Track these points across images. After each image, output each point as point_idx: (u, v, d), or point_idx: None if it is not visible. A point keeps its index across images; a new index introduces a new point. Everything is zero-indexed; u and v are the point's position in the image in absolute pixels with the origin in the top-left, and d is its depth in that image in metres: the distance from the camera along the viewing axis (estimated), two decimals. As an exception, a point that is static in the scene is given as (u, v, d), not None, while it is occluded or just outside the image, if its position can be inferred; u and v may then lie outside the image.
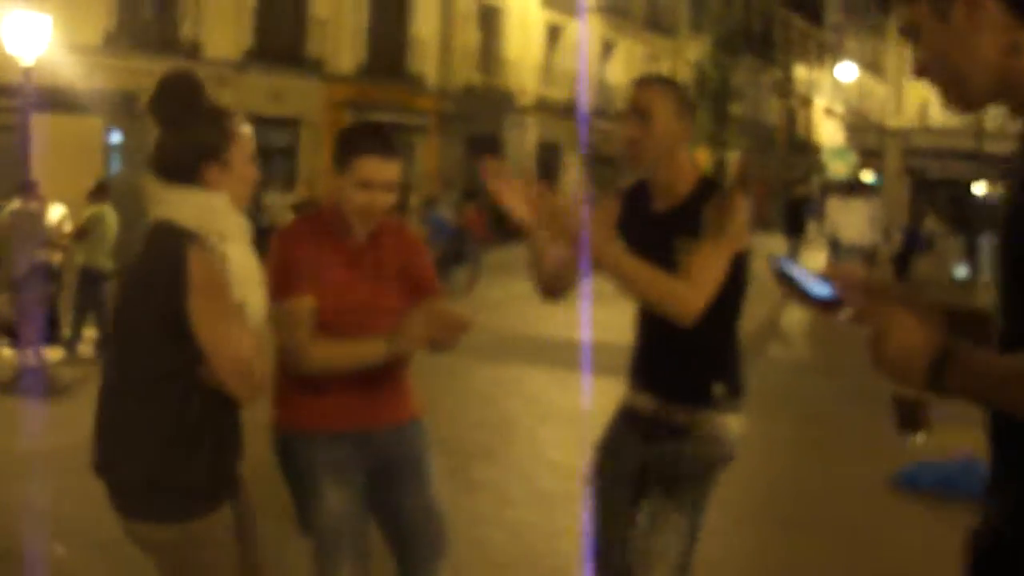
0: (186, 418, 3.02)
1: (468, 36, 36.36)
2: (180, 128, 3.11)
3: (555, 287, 3.75)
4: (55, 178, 15.53)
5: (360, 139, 3.63)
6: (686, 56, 48.86)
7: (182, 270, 2.91)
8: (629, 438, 3.82)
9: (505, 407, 10.56)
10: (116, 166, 23.84)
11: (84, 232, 13.21)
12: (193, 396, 3.01)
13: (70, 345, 13.20)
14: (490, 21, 37.65)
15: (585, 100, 40.50)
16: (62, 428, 8.74)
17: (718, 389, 3.63)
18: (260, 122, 24.58)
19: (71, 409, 9.68)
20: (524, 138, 38.75)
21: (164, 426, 3.02)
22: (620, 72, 44.81)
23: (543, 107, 39.34)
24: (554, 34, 40.83)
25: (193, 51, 25.96)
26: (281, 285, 3.50)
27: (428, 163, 33.34)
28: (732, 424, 3.66)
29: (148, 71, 22.81)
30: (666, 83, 3.70)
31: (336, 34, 30.44)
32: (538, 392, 11.24)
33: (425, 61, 34.11)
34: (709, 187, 3.62)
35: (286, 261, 3.60)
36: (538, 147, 39.54)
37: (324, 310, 3.59)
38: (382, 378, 3.69)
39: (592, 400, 10.59)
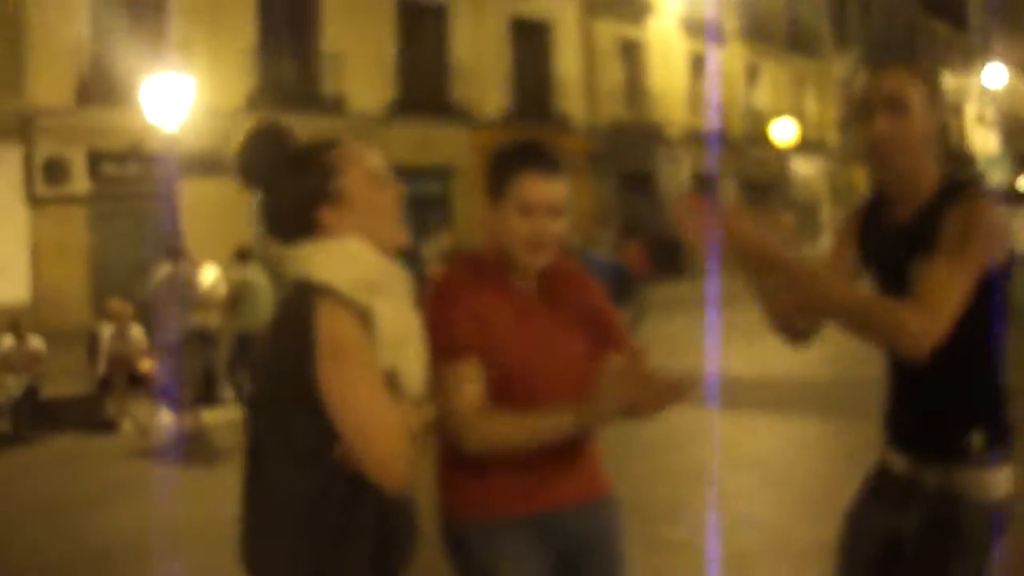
0: (328, 508, 2.57)
1: (611, 71, 35.99)
2: (274, 184, 2.77)
3: (798, 326, 3.31)
4: (203, 242, 15.62)
5: (516, 156, 3.14)
6: (832, 74, 47.71)
7: (310, 329, 2.50)
8: (879, 505, 3.29)
9: (692, 455, 9.79)
10: None
11: (233, 301, 13.21)
12: (338, 481, 2.56)
13: (230, 408, 13.27)
14: (632, 55, 37.22)
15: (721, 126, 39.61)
16: (219, 496, 8.51)
17: (976, 439, 3.04)
18: (409, 172, 25.08)
19: (230, 475, 9.46)
20: (677, 171, 37.98)
21: (303, 517, 2.58)
22: (766, 97, 44.16)
23: (694, 138, 38.56)
24: (697, 63, 40.23)
25: (337, 106, 26.13)
26: (439, 346, 2.95)
27: (581, 204, 32.65)
28: (998, 480, 3.05)
29: (293, 129, 24.34)
30: (918, 67, 3.12)
31: (479, 79, 30.27)
32: (724, 437, 10.39)
33: (570, 100, 33.80)
34: (953, 190, 3.06)
35: (443, 316, 3.07)
36: (692, 179, 38.66)
37: (492, 373, 3.07)
38: (567, 449, 3.14)
39: (785, 445, 10.20)
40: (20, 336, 14.14)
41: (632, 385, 2.82)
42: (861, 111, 3.12)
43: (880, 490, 3.30)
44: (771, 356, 12.35)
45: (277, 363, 2.60)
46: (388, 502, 2.61)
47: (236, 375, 13.34)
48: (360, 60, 26.83)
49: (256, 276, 13.44)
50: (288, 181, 2.73)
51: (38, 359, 14.09)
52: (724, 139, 38.94)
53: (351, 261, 2.63)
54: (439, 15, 29.83)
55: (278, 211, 2.76)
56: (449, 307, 3.09)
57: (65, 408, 14.11)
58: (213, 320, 13.56)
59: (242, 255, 13.81)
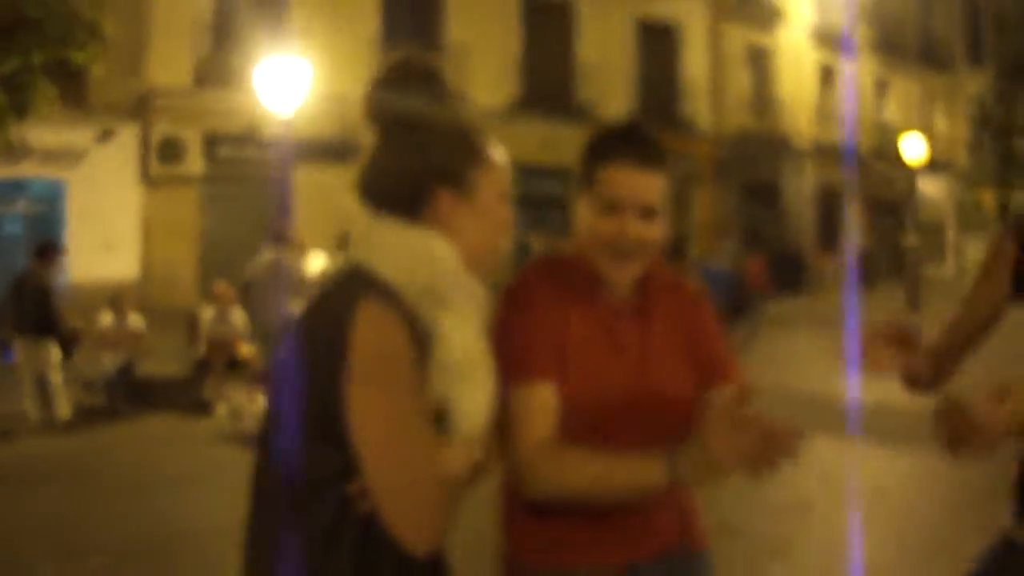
0: (333, 557, 2.05)
1: (739, 78, 35.21)
2: (407, 135, 2.23)
3: (928, 380, 2.96)
4: (314, 230, 15.36)
5: (607, 141, 2.57)
6: (965, 91, 46.36)
7: (346, 335, 2.00)
8: None
9: (798, 487, 8.85)
10: None
11: None
12: (346, 525, 2.05)
13: None
14: (761, 62, 36.38)
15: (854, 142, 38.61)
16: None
17: None
18: (530, 171, 25.03)
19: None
20: (802, 184, 37.01)
21: (307, 553, 2.07)
22: (896, 111, 42.86)
23: (820, 151, 37.56)
24: (827, 74, 39.26)
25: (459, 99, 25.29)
26: (505, 364, 2.39)
27: (704, 212, 32.08)
28: None
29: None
30: None
31: (605, 79, 29.73)
32: (834, 468, 9.43)
33: (696, 106, 33.09)
34: None
35: (513, 328, 2.53)
36: (817, 192, 37.59)
37: (569, 405, 2.51)
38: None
39: (901, 480, 9.31)
40: (120, 313, 14.08)
41: (740, 432, 2.19)
42: None
43: (1005, 568, 2.90)
44: (891, 381, 11.23)
45: (298, 368, 2.07)
46: (408, 560, 2.06)
47: None
48: (484, 55, 26.64)
49: None
50: (421, 138, 2.22)
51: (136, 337, 13.99)
52: (852, 153, 37.91)
53: (434, 263, 2.15)
54: (564, 12, 29.49)
55: (392, 168, 2.24)
56: (522, 318, 2.55)
57: (162, 387, 14.09)
58: None
59: (344, 241, 13.33)
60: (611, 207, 2.50)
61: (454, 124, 2.26)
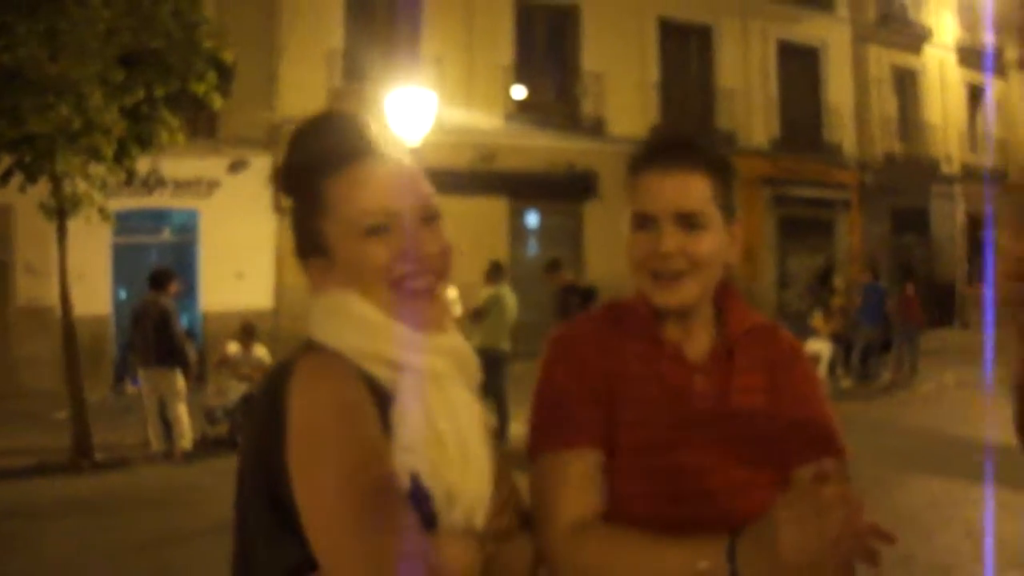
0: None
1: (884, 101, 34.15)
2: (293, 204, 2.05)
3: None
4: (457, 261, 15.38)
5: (639, 152, 2.23)
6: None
7: (281, 402, 1.74)
8: None
9: (941, 540, 8.01)
10: (533, 248, 24.08)
11: (480, 313, 13.07)
12: None
13: None
14: (906, 84, 35.29)
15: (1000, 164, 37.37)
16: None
17: None
18: None
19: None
20: (952, 210, 35.71)
21: None
22: (1052, 133, 41.27)
23: (970, 175, 36.19)
24: (976, 95, 37.97)
25: (597, 128, 25.70)
26: (542, 428, 2.16)
27: (851, 240, 31.12)
28: None
29: (550, 150, 24.35)
30: None
31: (746, 106, 29.12)
32: (983, 520, 8.59)
33: (841, 130, 32.15)
34: None
35: (555, 387, 2.19)
36: (967, 219, 36.17)
37: (623, 480, 2.11)
38: None
39: None
40: (247, 344, 14.18)
41: (827, 514, 1.64)
42: None
43: None
44: None
45: (248, 452, 1.87)
46: None
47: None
48: (622, 82, 26.29)
49: (505, 293, 13.33)
50: (295, 204, 2.04)
51: (260, 368, 13.88)
52: (1002, 178, 36.61)
53: (365, 328, 1.91)
54: (703, 36, 28.96)
55: (295, 241, 2.08)
56: (565, 374, 2.19)
57: None
58: None
59: (496, 271, 13.78)
60: (643, 220, 2.15)
61: (300, 180, 1.99)
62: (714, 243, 2.14)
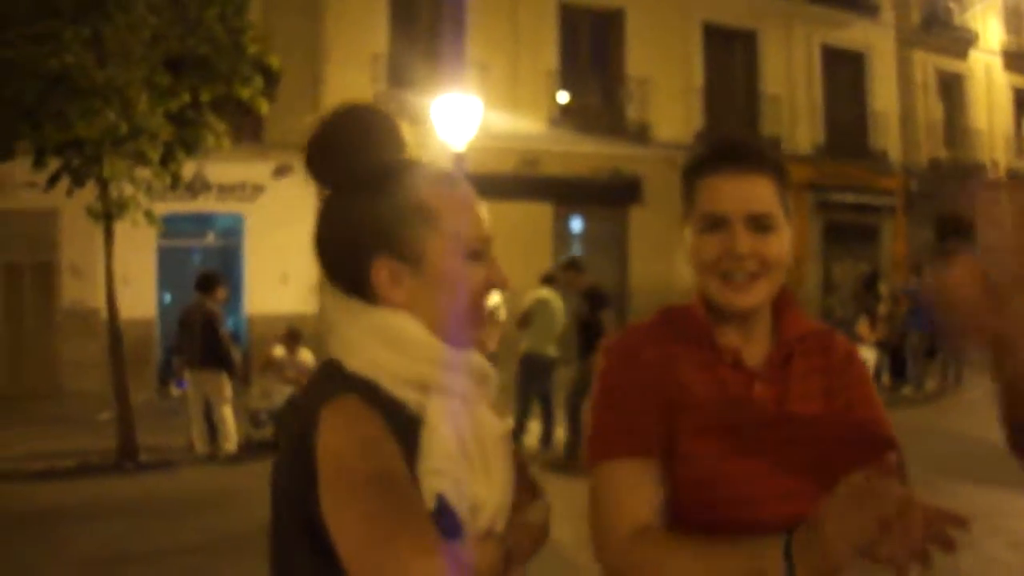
0: None
1: (930, 107, 33.91)
2: (345, 196, 2.00)
3: None
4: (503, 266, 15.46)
5: (701, 156, 2.23)
6: None
7: (310, 443, 1.78)
8: None
9: (986, 550, 7.78)
10: (578, 253, 24.32)
11: (527, 318, 13.01)
12: None
13: (514, 436, 12.54)
14: (951, 89, 35.00)
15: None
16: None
17: None
18: None
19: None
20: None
21: None
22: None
23: (1017, 180, 35.65)
24: (1021, 100, 37.52)
25: (641, 134, 25.64)
26: (603, 438, 2.15)
27: (896, 247, 30.93)
28: None
29: (595, 155, 24.33)
30: None
31: (791, 111, 28.99)
32: (1010, 529, 8.43)
33: (886, 136, 31.94)
34: None
35: (613, 395, 2.19)
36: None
37: (685, 484, 2.12)
38: None
39: None
40: (292, 347, 14.17)
41: (881, 508, 1.66)
42: None
43: None
44: None
45: (279, 484, 1.91)
46: None
47: (525, 400, 13.08)
48: (666, 86, 26.21)
49: (551, 298, 13.19)
50: (356, 199, 1.99)
51: (305, 371, 13.87)
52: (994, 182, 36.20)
53: (398, 347, 1.91)
54: (748, 41, 28.84)
55: (329, 236, 2.03)
56: (623, 381, 2.20)
57: None
58: (491, 344, 13.10)
59: (547, 279, 13.75)
60: (714, 222, 2.14)
61: (396, 180, 1.98)
62: (782, 245, 2.16)
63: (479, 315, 2.03)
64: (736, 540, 1.95)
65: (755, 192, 2.13)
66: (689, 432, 2.13)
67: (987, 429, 9.56)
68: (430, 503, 1.82)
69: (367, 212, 1.96)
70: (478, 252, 1.99)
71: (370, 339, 1.92)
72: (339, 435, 1.78)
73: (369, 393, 1.85)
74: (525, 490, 2.10)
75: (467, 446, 1.92)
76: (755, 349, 2.22)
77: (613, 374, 2.22)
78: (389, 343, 1.91)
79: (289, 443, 1.87)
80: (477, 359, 2.02)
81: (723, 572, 1.95)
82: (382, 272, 1.94)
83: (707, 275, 2.17)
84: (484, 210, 2.04)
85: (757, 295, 2.16)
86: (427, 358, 1.92)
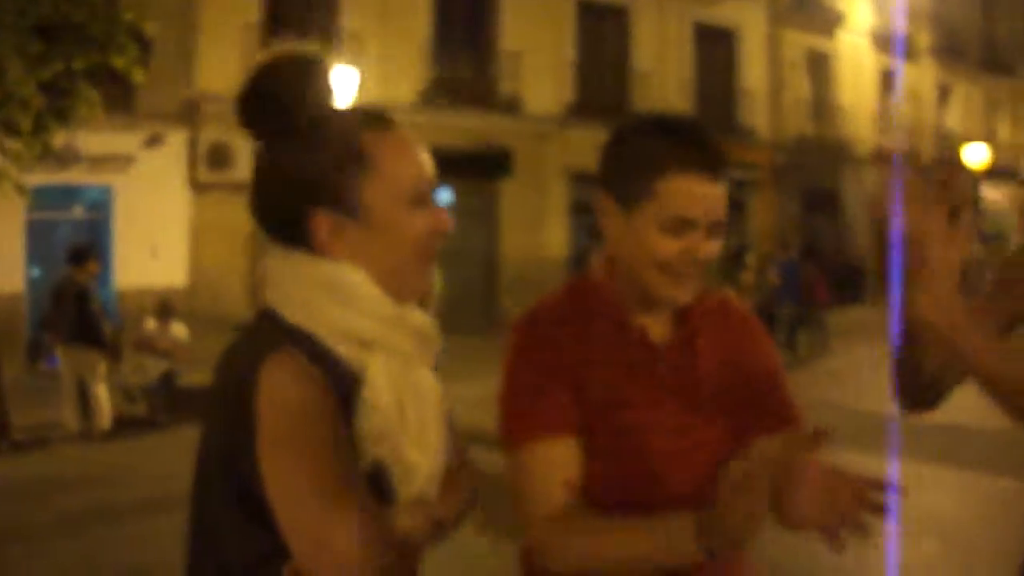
0: None
1: (798, 84, 34.66)
2: (279, 145, 1.90)
3: (926, 395, 2.36)
4: None
5: (664, 148, 2.11)
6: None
7: (248, 401, 1.71)
8: None
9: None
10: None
11: None
12: None
13: None
14: (820, 68, 35.82)
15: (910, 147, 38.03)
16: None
17: None
18: (586, 179, 24.51)
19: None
20: (862, 191, 36.17)
21: None
22: (957, 118, 42.32)
23: (880, 157, 36.64)
24: (887, 79, 38.55)
25: (512, 106, 25.81)
26: (518, 419, 2.15)
27: (763, 220, 31.56)
28: None
29: (466, 128, 24.38)
30: None
31: (662, 85, 29.31)
32: (903, 493, 8.85)
33: (755, 111, 32.59)
34: None
35: (524, 374, 2.17)
36: (878, 200, 36.72)
37: (599, 464, 2.15)
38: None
39: (969, 508, 8.81)
40: (164, 321, 14.02)
41: (804, 483, 1.83)
42: None
43: None
44: (955, 397, 10.62)
45: (209, 442, 1.84)
46: None
47: None
48: (538, 60, 26.38)
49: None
50: (290, 148, 1.88)
51: (178, 345, 13.86)
52: (913, 161, 37.15)
53: (347, 300, 1.84)
54: (620, 16, 29.10)
55: (262, 188, 1.92)
56: (532, 360, 2.18)
57: (204, 398, 13.86)
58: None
59: None
60: (680, 225, 2.09)
61: (330, 129, 1.89)
62: (719, 245, 2.17)
63: (425, 264, 1.95)
64: (651, 519, 1.99)
65: (720, 199, 2.13)
66: (599, 408, 2.15)
67: (851, 397, 9.99)
68: (366, 466, 1.80)
69: (302, 164, 1.88)
70: (421, 197, 1.92)
71: (312, 292, 1.86)
72: (282, 392, 1.72)
73: (310, 348, 1.80)
74: (455, 456, 2.05)
75: (405, 409, 1.88)
76: (661, 327, 2.25)
77: (523, 352, 2.21)
78: (331, 296, 1.85)
79: (223, 398, 1.80)
80: (421, 317, 1.97)
81: (639, 550, 2.00)
82: (321, 225, 1.86)
83: (652, 269, 2.14)
84: (425, 153, 1.97)
85: (694, 290, 2.19)
86: (370, 312, 1.87)
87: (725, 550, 1.89)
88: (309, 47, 1.98)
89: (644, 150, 2.13)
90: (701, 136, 2.14)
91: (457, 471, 2.03)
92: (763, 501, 1.77)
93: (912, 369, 2.29)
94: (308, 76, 1.92)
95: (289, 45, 1.97)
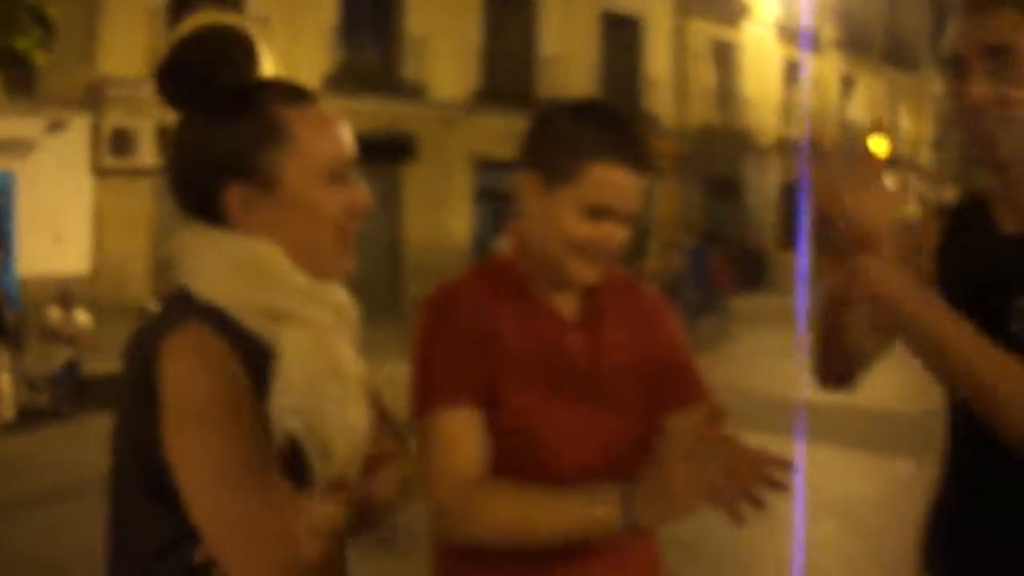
0: None
1: (703, 73, 35.18)
2: (192, 119, 1.85)
3: (845, 369, 2.37)
4: None
5: (596, 134, 2.14)
6: (929, 91, 46.54)
7: (153, 376, 1.67)
8: None
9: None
10: None
11: None
12: None
13: None
14: (725, 58, 36.32)
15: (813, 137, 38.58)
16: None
17: None
18: (490, 165, 24.70)
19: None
20: (765, 180, 36.93)
21: None
22: (861, 109, 43.06)
23: (784, 147, 37.32)
24: (792, 70, 39.12)
25: (417, 92, 25.85)
26: (423, 388, 2.15)
27: (666, 206, 31.82)
28: None
29: (371, 113, 24.36)
30: None
31: (567, 72, 29.43)
32: (805, 474, 9.17)
33: (659, 100, 32.91)
34: None
35: (433, 346, 2.18)
36: (780, 189, 37.50)
37: (507, 434, 2.16)
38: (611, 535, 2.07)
39: (872, 489, 9.15)
40: (68, 308, 13.75)
41: (705, 460, 1.85)
42: (954, 67, 2.19)
43: None
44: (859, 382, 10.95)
45: (120, 424, 1.78)
46: None
47: None
48: (444, 46, 26.43)
49: None
50: (205, 121, 1.84)
51: (82, 332, 13.62)
52: (816, 150, 37.63)
53: (253, 274, 1.79)
54: (527, 3, 29.30)
55: (177, 162, 1.87)
56: (443, 333, 2.18)
57: (109, 386, 13.51)
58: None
59: None
60: (600, 212, 2.14)
61: (247, 102, 1.86)
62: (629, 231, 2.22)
63: (342, 242, 1.91)
64: (571, 489, 2.02)
65: (640, 194, 2.16)
66: (506, 382, 2.17)
67: (752, 381, 10.24)
68: (280, 444, 1.74)
69: (217, 136, 1.83)
70: (339, 174, 1.89)
71: (222, 267, 1.80)
72: (185, 366, 1.67)
73: (217, 322, 1.74)
74: (389, 441, 2.03)
75: (322, 384, 1.81)
76: (568, 302, 2.27)
77: (432, 327, 2.21)
78: (242, 270, 1.80)
79: (131, 377, 1.74)
80: (338, 291, 1.94)
81: (559, 519, 2.02)
82: (235, 198, 1.82)
83: (567, 251, 2.16)
84: (346, 129, 1.94)
85: (602, 271, 2.22)
86: (282, 286, 1.82)
87: (649, 524, 1.95)
88: (233, 18, 1.93)
89: (577, 133, 2.15)
90: (634, 131, 2.19)
91: (389, 456, 2.02)
92: (704, 474, 1.82)
93: (835, 344, 2.31)
94: (228, 48, 1.88)
95: (211, 15, 1.90)
